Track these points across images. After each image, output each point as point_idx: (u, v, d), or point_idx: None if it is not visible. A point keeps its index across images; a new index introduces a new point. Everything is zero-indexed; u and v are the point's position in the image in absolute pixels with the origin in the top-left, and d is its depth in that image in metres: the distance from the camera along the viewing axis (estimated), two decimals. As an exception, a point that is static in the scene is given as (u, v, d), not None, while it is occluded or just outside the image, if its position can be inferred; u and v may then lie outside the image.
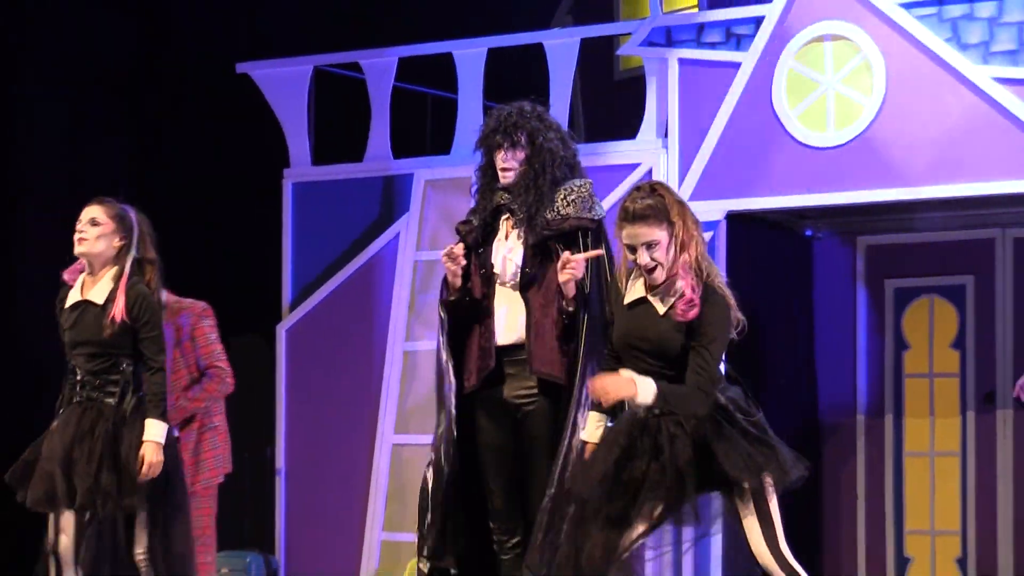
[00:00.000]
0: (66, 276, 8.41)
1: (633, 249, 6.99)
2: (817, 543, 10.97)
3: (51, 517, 8.05)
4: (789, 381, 10.85)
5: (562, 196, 7.97)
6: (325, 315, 11.16)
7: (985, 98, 9.63)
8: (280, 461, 11.14)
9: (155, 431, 8.00)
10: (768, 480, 7.00)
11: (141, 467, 7.97)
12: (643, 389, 6.94)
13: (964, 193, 9.80)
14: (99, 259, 8.14)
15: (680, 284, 6.97)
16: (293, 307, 11.27)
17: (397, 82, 11.16)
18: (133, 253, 8.16)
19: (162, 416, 8.09)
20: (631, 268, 7.12)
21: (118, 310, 8.06)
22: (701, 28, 10.34)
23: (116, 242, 8.17)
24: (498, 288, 8.09)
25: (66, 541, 8.02)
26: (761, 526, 7.01)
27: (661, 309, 6.97)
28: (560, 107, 10.59)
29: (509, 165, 7.99)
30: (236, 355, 10.95)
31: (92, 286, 8.17)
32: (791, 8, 10.04)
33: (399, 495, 10.83)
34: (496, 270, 8.08)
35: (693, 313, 6.89)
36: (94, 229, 8.12)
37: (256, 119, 11.45)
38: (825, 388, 11.09)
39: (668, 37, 10.37)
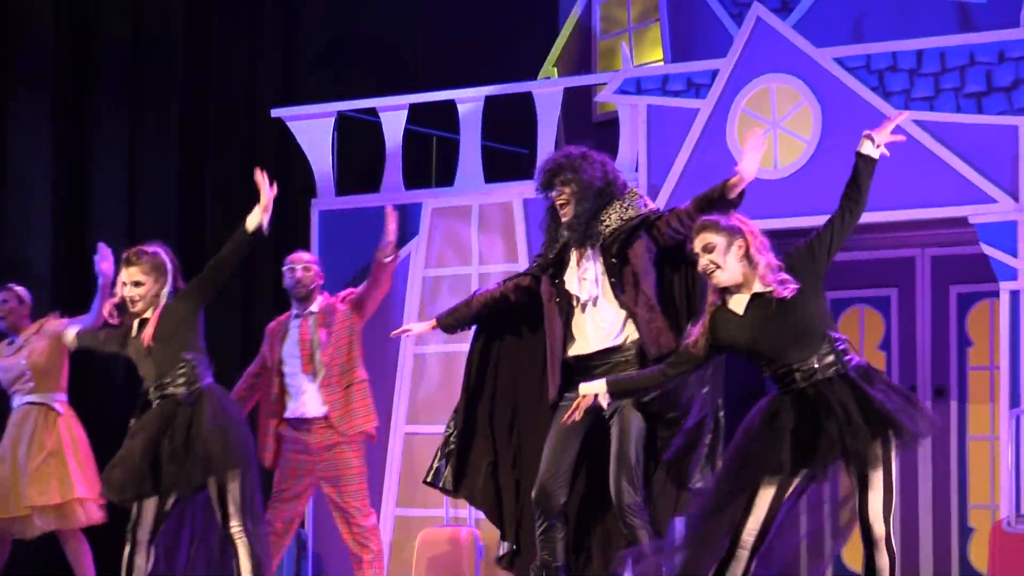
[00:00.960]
0: (106, 315, 8.49)
1: (695, 254, 7.12)
2: None
3: (135, 507, 8.03)
4: (743, 379, 10.51)
5: (617, 208, 8.06)
6: (346, 321, 11.19)
7: (905, 138, 9.37)
8: None
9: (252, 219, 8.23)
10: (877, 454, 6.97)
11: None
12: None
13: (889, 218, 9.84)
14: (148, 306, 8.22)
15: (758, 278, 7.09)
16: (319, 313, 11.33)
17: (408, 125, 11.27)
18: (168, 288, 8.24)
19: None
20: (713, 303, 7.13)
21: (147, 335, 8.14)
22: (666, 79, 10.46)
23: (157, 288, 8.23)
24: (577, 311, 8.08)
25: (146, 526, 8.01)
26: (885, 494, 7.02)
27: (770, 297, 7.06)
28: (546, 145, 10.74)
29: (563, 202, 8.04)
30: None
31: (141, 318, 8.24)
32: (742, 62, 10.18)
33: (410, 476, 10.84)
34: (574, 292, 8.06)
35: (792, 287, 7.04)
36: (139, 289, 8.19)
37: (287, 155, 11.60)
38: (770, 385, 10.98)
39: (638, 86, 10.50)
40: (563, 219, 8.09)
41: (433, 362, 10.90)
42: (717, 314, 7.15)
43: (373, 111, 11.44)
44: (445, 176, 11.47)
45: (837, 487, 7.27)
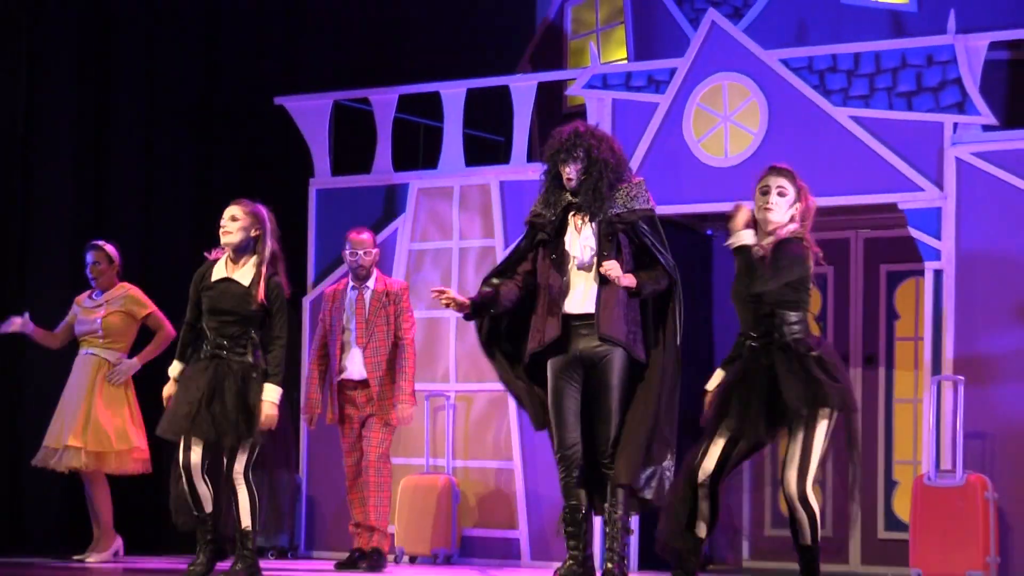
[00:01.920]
0: (209, 256, 8.35)
1: (766, 190, 7.22)
2: None
3: (182, 441, 8.04)
4: (692, 350, 10.82)
5: (623, 193, 7.87)
6: (340, 289, 11.06)
7: (843, 131, 9.81)
8: (302, 401, 10.61)
9: (272, 394, 8.04)
10: (823, 412, 6.99)
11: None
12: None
13: (826, 204, 9.21)
14: (239, 248, 8.18)
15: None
16: (315, 284, 11.23)
17: (397, 113, 11.24)
18: (269, 244, 8.19)
19: (279, 382, 8.10)
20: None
21: (261, 293, 8.07)
22: (629, 76, 10.47)
23: (253, 233, 8.19)
24: (574, 271, 7.89)
25: (197, 459, 8.00)
26: (800, 457, 7.01)
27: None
28: (521, 134, 10.79)
29: (571, 175, 7.85)
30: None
31: (236, 269, 8.17)
32: (697, 62, 10.18)
33: (396, 429, 10.32)
34: (575, 254, 7.87)
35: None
36: (234, 224, 8.19)
37: (289, 139, 11.52)
38: (722, 347, 10.70)
39: (604, 82, 10.51)
40: (569, 185, 7.90)
41: (419, 325, 10.76)
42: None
43: (366, 100, 11.39)
44: (430, 159, 11.44)
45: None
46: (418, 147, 11.74)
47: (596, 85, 10.61)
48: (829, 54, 10.03)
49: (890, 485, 10.59)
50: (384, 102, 11.31)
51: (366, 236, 10.02)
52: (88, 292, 10.30)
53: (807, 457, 7.01)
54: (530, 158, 10.79)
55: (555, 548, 9.82)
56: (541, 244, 7.98)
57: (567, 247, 7.92)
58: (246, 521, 8.14)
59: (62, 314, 10.42)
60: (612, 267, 7.69)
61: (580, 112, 10.93)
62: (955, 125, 9.62)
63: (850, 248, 10.84)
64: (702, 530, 7.12)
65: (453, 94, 11.06)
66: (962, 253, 9.53)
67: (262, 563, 8.79)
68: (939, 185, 9.61)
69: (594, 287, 7.84)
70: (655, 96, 10.37)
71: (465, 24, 13.00)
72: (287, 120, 11.53)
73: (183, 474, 8.08)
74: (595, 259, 7.82)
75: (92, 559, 10.05)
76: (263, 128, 11.96)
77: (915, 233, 9.67)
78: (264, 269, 8.18)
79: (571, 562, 7.77)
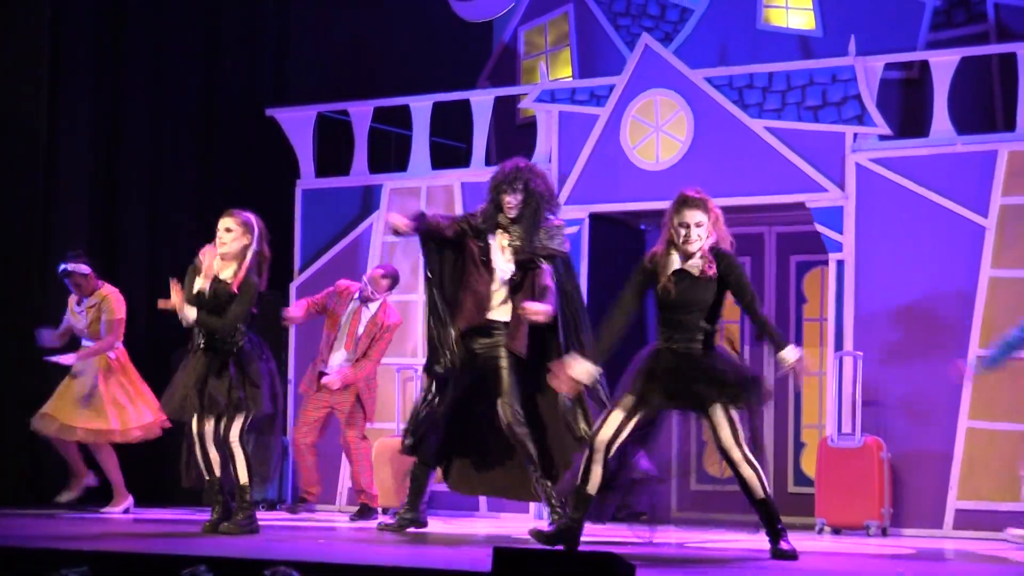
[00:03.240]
0: (200, 255, 8.29)
1: (686, 226, 6.95)
2: None
3: (193, 421, 8.13)
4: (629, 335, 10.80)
5: (544, 232, 8.07)
6: (321, 277, 10.99)
7: (758, 140, 9.83)
8: (291, 372, 11.00)
9: (191, 313, 8.02)
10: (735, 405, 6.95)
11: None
12: None
13: (744, 203, 9.87)
14: (232, 255, 8.13)
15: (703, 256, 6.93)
16: (301, 271, 11.23)
17: (372, 123, 11.25)
18: (255, 248, 8.14)
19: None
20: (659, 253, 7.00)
21: (235, 286, 8.05)
22: (574, 91, 10.50)
23: (244, 242, 8.13)
24: (495, 283, 8.13)
25: (208, 429, 8.10)
26: (729, 427, 6.96)
27: (696, 273, 6.93)
28: (480, 142, 10.79)
29: (512, 204, 8.05)
30: (265, 304, 11.29)
31: (224, 268, 8.13)
32: (632, 79, 10.19)
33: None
34: (497, 270, 8.12)
35: (712, 271, 6.91)
36: (228, 235, 8.11)
37: (278, 145, 11.49)
38: (653, 328, 10.65)
39: (552, 96, 10.52)
40: (508, 212, 8.09)
41: (392, 307, 10.77)
42: (660, 260, 7.07)
43: (345, 112, 11.40)
44: (400, 163, 11.38)
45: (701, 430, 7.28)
46: (390, 152, 11.73)
47: (545, 99, 10.63)
48: (747, 73, 10.07)
49: (798, 446, 10.65)
50: (361, 113, 11.31)
51: (379, 271, 10.13)
52: (76, 297, 10.15)
53: (734, 427, 6.98)
54: (488, 163, 10.81)
55: (508, 504, 9.83)
56: (469, 243, 8.19)
57: (493, 262, 8.13)
58: (243, 479, 8.16)
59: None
60: (531, 309, 7.92)
61: (531, 123, 10.98)
62: (855, 135, 9.68)
63: (764, 241, 10.86)
64: (593, 488, 7.03)
65: (421, 107, 11.06)
66: (861, 246, 9.58)
67: (259, 512, 8.79)
68: (841, 187, 9.66)
69: (507, 302, 8.10)
70: (596, 109, 10.39)
71: (432, 46, 13.00)
72: (277, 129, 11.53)
73: (196, 442, 8.19)
74: (512, 279, 8.06)
75: (106, 510, 10.02)
76: (255, 135, 11.95)
77: (820, 228, 9.72)
78: (244, 268, 8.14)
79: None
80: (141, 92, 11.80)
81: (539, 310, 7.95)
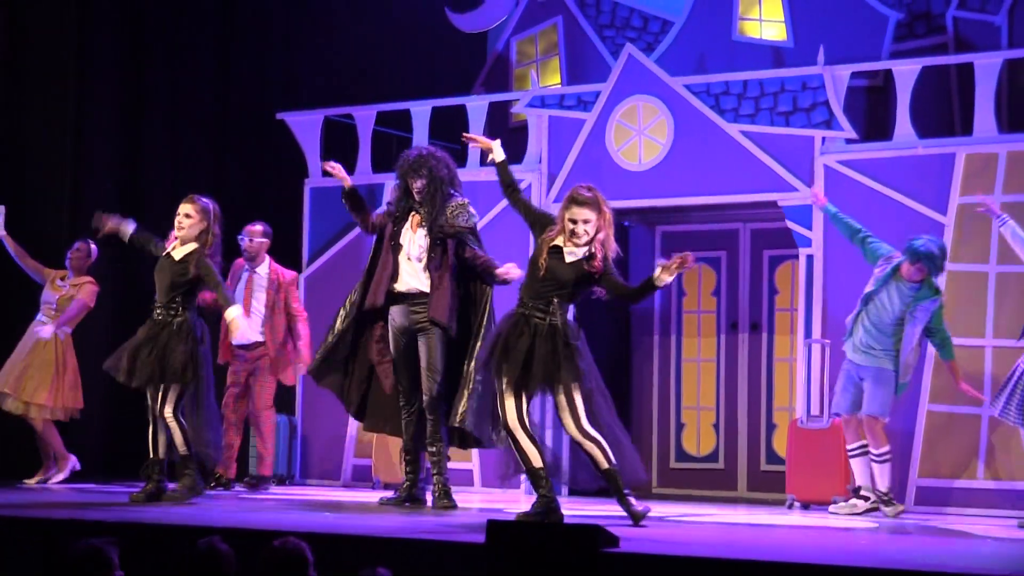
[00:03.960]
0: (167, 244, 8.45)
1: (574, 222, 6.97)
2: (627, 415, 10.68)
3: (168, 406, 8.19)
4: (611, 318, 10.76)
5: (450, 210, 8.21)
6: (329, 268, 11.08)
7: (733, 143, 9.83)
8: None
9: (234, 311, 8.20)
10: (575, 386, 6.97)
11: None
12: None
13: (721, 201, 9.97)
14: (189, 238, 8.30)
15: (594, 251, 6.96)
16: (309, 263, 11.18)
17: (375, 126, 11.20)
18: (213, 231, 8.32)
19: (233, 303, 8.30)
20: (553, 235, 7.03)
21: (192, 268, 8.21)
22: (562, 97, 10.51)
23: (201, 227, 8.31)
24: (403, 259, 8.29)
25: (153, 409, 8.22)
26: (569, 411, 6.98)
27: (569, 260, 6.97)
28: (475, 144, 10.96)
29: (418, 188, 8.26)
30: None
31: (177, 248, 8.33)
32: (617, 86, 10.19)
33: None
34: (403, 246, 8.30)
35: (599, 266, 6.94)
36: (188, 220, 8.31)
37: (288, 146, 11.46)
38: (636, 318, 10.96)
39: (542, 102, 10.53)
40: (416, 195, 8.29)
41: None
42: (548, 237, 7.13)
43: (350, 116, 11.37)
44: (401, 164, 11.38)
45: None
46: (392, 153, 11.65)
47: (536, 104, 10.63)
48: (723, 81, 10.06)
49: (770, 427, 10.66)
50: (365, 117, 11.29)
51: (256, 224, 10.07)
52: (62, 274, 10.15)
53: (574, 406, 6.97)
54: (482, 163, 10.70)
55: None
56: (387, 228, 8.39)
57: (402, 240, 8.31)
58: (183, 450, 8.26)
59: (104, 303, 10.46)
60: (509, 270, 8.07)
61: (523, 126, 10.97)
62: (823, 139, 9.67)
63: (739, 237, 10.87)
64: (537, 461, 7.05)
65: (420, 111, 11.05)
66: (829, 241, 9.56)
67: (272, 489, 9.32)
68: (811, 186, 9.63)
69: (421, 275, 8.24)
70: (583, 113, 10.39)
71: (430, 55, 12.97)
72: (286, 131, 11.50)
73: (150, 420, 8.33)
74: (423, 255, 8.21)
75: (56, 479, 9.99)
76: (267, 137, 11.89)
77: (791, 225, 9.72)
78: (199, 250, 8.28)
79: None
80: (160, 99, 11.81)
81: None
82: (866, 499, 8.77)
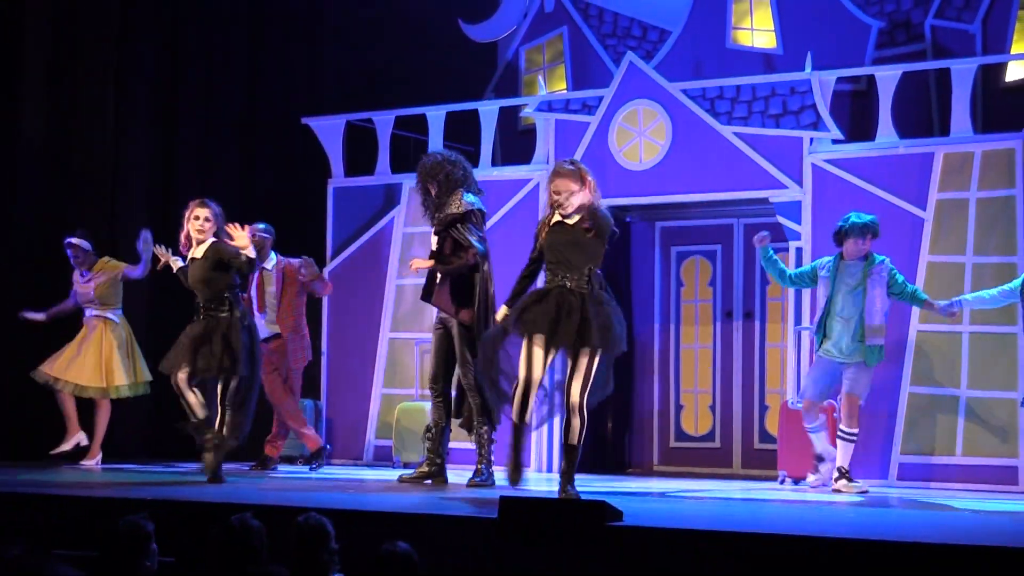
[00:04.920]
0: (185, 251, 8.55)
1: (558, 192, 7.07)
2: (629, 397, 10.83)
3: (182, 372, 8.27)
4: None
5: (454, 201, 8.28)
6: (351, 263, 11.08)
7: (728, 144, 9.81)
8: (324, 346, 10.99)
9: (244, 246, 8.24)
10: (598, 351, 6.98)
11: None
12: None
13: (717, 198, 9.96)
14: (205, 240, 8.42)
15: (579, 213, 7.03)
16: (332, 258, 11.15)
17: (394, 130, 11.20)
18: (223, 229, 8.43)
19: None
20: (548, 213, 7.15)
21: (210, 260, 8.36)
22: (568, 102, 10.51)
23: (214, 228, 8.44)
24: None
25: (183, 376, 8.28)
26: (584, 375, 6.98)
27: (571, 223, 7.05)
28: (487, 145, 10.71)
29: (435, 191, 8.37)
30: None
31: (196, 250, 8.44)
32: (619, 91, 10.17)
33: (392, 367, 10.84)
34: (430, 245, 8.48)
35: (588, 225, 6.98)
36: (207, 224, 8.42)
37: (312, 149, 11.44)
38: (637, 308, 10.89)
39: (549, 106, 10.52)
40: (435, 197, 8.37)
41: (408, 290, 10.82)
42: (545, 219, 7.25)
43: (370, 120, 11.32)
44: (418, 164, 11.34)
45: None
46: (409, 155, 11.67)
47: (543, 109, 10.61)
48: (718, 86, 10.04)
49: (763, 409, 10.63)
50: (384, 121, 11.26)
51: (259, 224, 9.82)
52: (78, 273, 10.17)
53: (588, 376, 6.95)
54: (494, 163, 10.81)
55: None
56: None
57: (430, 242, 8.47)
58: (233, 440, 8.38)
59: (142, 293, 10.50)
60: (413, 263, 8.40)
61: (531, 129, 10.95)
62: (811, 139, 9.66)
63: (734, 231, 10.82)
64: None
65: (436, 115, 11.03)
66: (816, 235, 9.52)
67: (293, 467, 9.39)
68: (800, 184, 9.64)
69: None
70: (587, 117, 10.37)
71: (445, 63, 12.94)
72: (311, 135, 11.48)
73: (179, 391, 8.35)
74: (433, 250, 8.33)
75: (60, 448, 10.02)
76: (293, 141, 11.85)
77: (782, 220, 9.71)
78: (215, 242, 8.40)
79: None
80: (194, 105, 11.82)
81: (417, 264, 8.39)
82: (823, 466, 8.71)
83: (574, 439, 7.03)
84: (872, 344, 8.58)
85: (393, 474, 9.54)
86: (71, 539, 6.30)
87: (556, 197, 7.09)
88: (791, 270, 9.04)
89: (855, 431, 8.65)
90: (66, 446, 10.06)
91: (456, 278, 8.29)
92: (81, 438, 10.11)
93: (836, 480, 8.62)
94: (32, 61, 10.90)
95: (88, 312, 10.15)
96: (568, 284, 7.03)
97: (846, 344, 8.61)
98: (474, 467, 8.43)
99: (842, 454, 8.65)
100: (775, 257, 8.99)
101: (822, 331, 8.70)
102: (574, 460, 7.09)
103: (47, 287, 10.60)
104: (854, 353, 8.60)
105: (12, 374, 10.40)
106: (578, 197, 7.08)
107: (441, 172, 8.34)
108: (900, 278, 8.68)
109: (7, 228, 10.77)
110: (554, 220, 7.16)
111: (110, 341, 10.04)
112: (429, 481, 8.43)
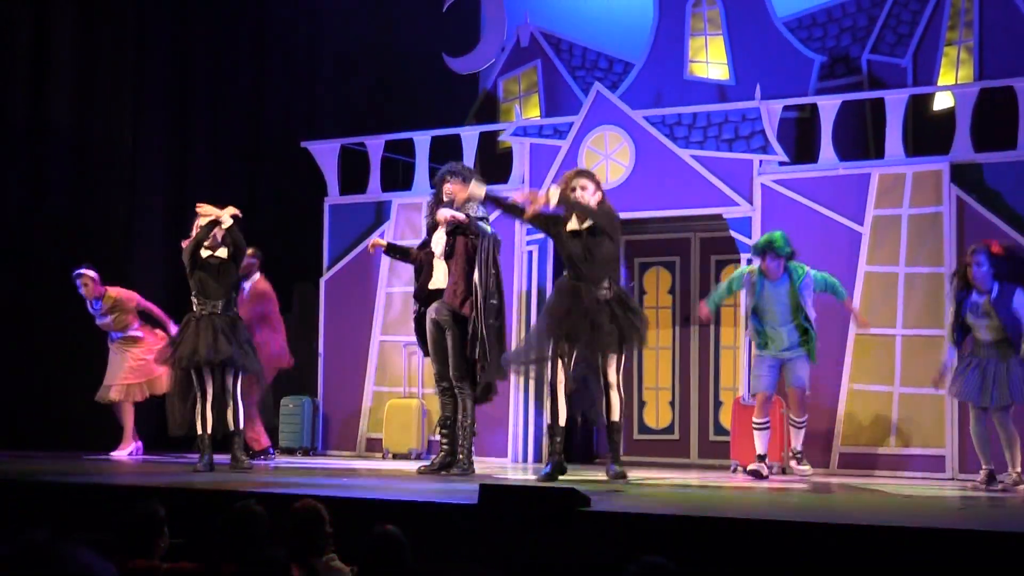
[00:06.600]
0: (185, 243, 8.53)
1: (573, 189, 7.28)
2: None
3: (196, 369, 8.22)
4: None
5: (470, 209, 8.22)
6: (346, 273, 11.05)
7: (684, 166, 9.80)
8: (320, 349, 10.98)
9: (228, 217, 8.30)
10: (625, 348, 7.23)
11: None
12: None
13: (676, 214, 9.95)
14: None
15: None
16: (328, 269, 11.14)
17: (384, 153, 11.18)
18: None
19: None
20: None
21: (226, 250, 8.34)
22: (541, 127, 10.50)
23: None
24: (435, 260, 8.31)
25: (205, 389, 8.24)
26: (616, 365, 7.20)
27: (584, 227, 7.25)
28: (468, 166, 10.84)
29: (448, 197, 8.29)
30: (301, 294, 11.30)
31: (217, 251, 8.41)
32: (587, 118, 10.16)
33: (383, 367, 10.78)
34: (434, 248, 8.34)
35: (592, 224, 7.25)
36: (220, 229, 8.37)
37: (309, 169, 11.42)
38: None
39: (525, 131, 10.51)
40: (445, 198, 8.28)
41: (396, 297, 10.80)
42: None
43: (363, 144, 11.32)
44: (406, 184, 11.33)
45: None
46: (398, 175, 11.72)
47: (519, 134, 10.61)
48: (676, 113, 10.06)
49: (717, 404, 10.63)
50: (375, 145, 11.25)
51: (249, 250, 9.52)
52: (89, 304, 10.07)
53: (620, 362, 7.13)
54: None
55: (489, 448, 9.81)
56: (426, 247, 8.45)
57: (432, 245, 8.34)
58: (238, 425, 8.34)
59: (162, 297, 10.45)
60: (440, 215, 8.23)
61: (508, 152, 10.94)
62: (760, 162, 9.67)
63: (690, 244, 10.82)
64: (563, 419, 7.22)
65: (422, 139, 11.03)
66: (765, 248, 9.54)
67: (293, 458, 9.24)
68: (750, 202, 9.65)
69: (444, 269, 8.20)
70: (559, 141, 10.37)
71: (431, 92, 12.97)
72: (308, 157, 11.45)
73: (199, 398, 8.29)
74: (444, 251, 8.23)
75: (114, 454, 9.95)
76: (292, 162, 11.85)
77: (734, 234, 9.72)
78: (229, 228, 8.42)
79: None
80: (203, 128, 11.80)
81: (444, 215, 8.22)
82: (769, 466, 8.64)
83: (614, 415, 7.06)
84: (814, 340, 8.45)
85: (383, 464, 9.54)
86: (90, 524, 6.26)
87: (573, 193, 7.23)
88: (715, 298, 8.77)
89: (804, 418, 8.63)
90: (123, 453, 9.96)
91: (462, 275, 8.19)
92: (135, 448, 10.01)
93: (791, 460, 8.61)
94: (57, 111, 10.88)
95: (113, 336, 10.09)
96: (593, 294, 7.14)
97: (790, 343, 8.47)
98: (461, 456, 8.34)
99: (795, 439, 8.62)
100: (717, 301, 8.82)
101: (763, 339, 8.51)
102: (617, 438, 7.17)
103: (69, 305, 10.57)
104: (798, 348, 8.48)
105: (52, 367, 10.39)
106: (592, 196, 7.27)
107: (459, 174, 8.29)
108: (820, 276, 8.47)
109: (33, 240, 10.77)
110: (569, 228, 7.23)
111: (135, 351, 10.00)
112: (444, 472, 8.32)
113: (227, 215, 8.34)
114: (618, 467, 7.27)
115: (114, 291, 10.03)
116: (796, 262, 8.43)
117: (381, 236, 9.15)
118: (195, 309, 8.40)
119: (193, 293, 8.45)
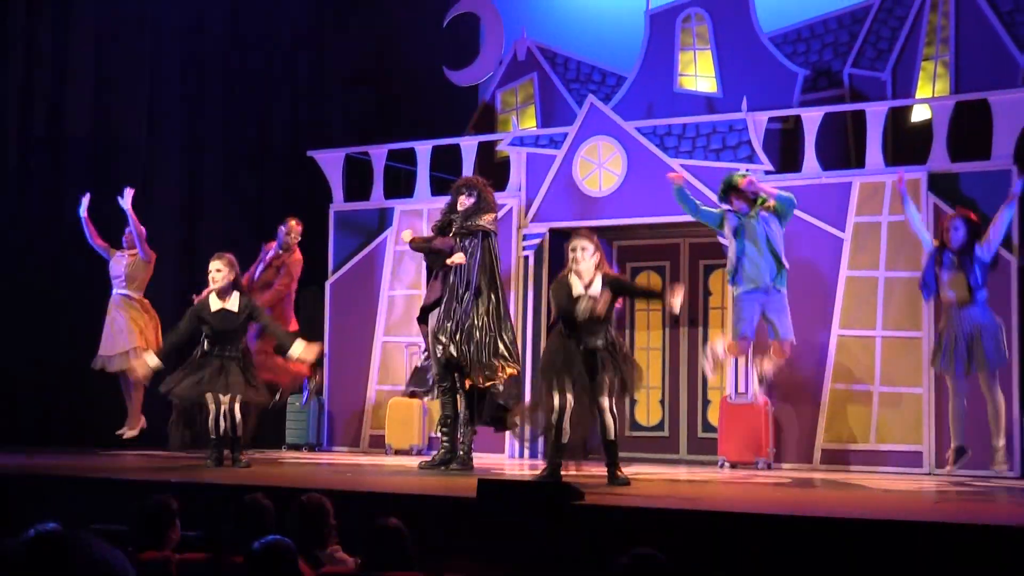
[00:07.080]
0: (195, 297, 8.44)
1: (575, 250, 7.21)
2: None
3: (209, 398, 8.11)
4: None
5: (483, 217, 8.31)
6: (350, 277, 11.01)
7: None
8: (327, 349, 10.79)
9: (299, 348, 8.13)
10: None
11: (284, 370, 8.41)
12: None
13: (666, 220, 9.84)
14: (224, 289, 8.24)
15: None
16: (333, 272, 11.11)
17: (387, 161, 11.16)
18: (238, 277, 8.35)
19: (294, 340, 8.19)
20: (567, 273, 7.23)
21: (243, 314, 8.21)
22: (537, 138, 10.45)
23: (230, 277, 8.27)
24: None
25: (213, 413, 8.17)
26: (607, 389, 7.10)
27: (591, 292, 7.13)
28: (468, 175, 10.87)
29: (462, 206, 8.34)
30: (308, 297, 11.26)
31: (226, 302, 8.22)
32: (581, 129, 10.14)
33: (385, 367, 10.76)
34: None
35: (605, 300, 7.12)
36: (219, 274, 8.24)
37: (316, 177, 11.38)
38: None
39: (521, 141, 10.47)
40: (460, 208, 8.34)
41: (398, 301, 10.81)
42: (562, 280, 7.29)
43: (367, 153, 11.29)
44: (408, 191, 11.32)
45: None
46: (400, 183, 11.70)
47: (516, 143, 10.59)
48: (666, 124, 10.04)
49: (705, 403, 10.62)
50: (378, 154, 11.23)
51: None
52: (120, 252, 10.01)
53: (612, 389, 7.08)
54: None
55: (485, 445, 9.82)
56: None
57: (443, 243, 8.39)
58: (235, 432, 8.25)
59: (173, 293, 10.40)
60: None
61: (506, 161, 10.93)
62: (747, 170, 9.60)
63: (680, 249, 10.81)
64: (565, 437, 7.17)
65: (423, 149, 11.00)
66: (751, 253, 9.53)
67: (299, 454, 9.17)
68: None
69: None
70: (554, 151, 10.35)
71: (431, 104, 12.97)
72: (315, 165, 11.43)
73: (212, 410, 8.17)
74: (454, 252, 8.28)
75: (124, 433, 9.83)
76: (299, 170, 11.82)
77: (722, 240, 9.64)
78: (247, 299, 8.31)
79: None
80: (215, 139, 11.79)
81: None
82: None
83: (610, 435, 7.11)
84: (784, 268, 8.21)
85: (385, 459, 9.54)
86: (106, 516, 6.28)
87: (573, 253, 7.16)
88: (702, 206, 8.50)
89: (783, 360, 8.30)
90: (132, 432, 9.86)
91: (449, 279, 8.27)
92: (142, 423, 9.90)
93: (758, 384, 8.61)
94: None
95: (116, 290, 9.97)
96: (588, 346, 7.11)
97: (767, 273, 8.17)
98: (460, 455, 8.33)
99: (768, 368, 8.29)
100: (688, 194, 8.47)
101: (741, 274, 8.22)
102: (614, 452, 7.15)
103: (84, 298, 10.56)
104: (776, 278, 8.16)
105: (64, 362, 10.36)
106: (591, 256, 7.19)
107: (475, 188, 8.34)
108: (780, 205, 8.20)
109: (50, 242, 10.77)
110: (575, 292, 7.16)
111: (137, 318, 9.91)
112: (443, 468, 8.30)
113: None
114: (619, 478, 7.18)
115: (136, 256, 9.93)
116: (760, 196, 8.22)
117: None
118: (205, 347, 8.31)
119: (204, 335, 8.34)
